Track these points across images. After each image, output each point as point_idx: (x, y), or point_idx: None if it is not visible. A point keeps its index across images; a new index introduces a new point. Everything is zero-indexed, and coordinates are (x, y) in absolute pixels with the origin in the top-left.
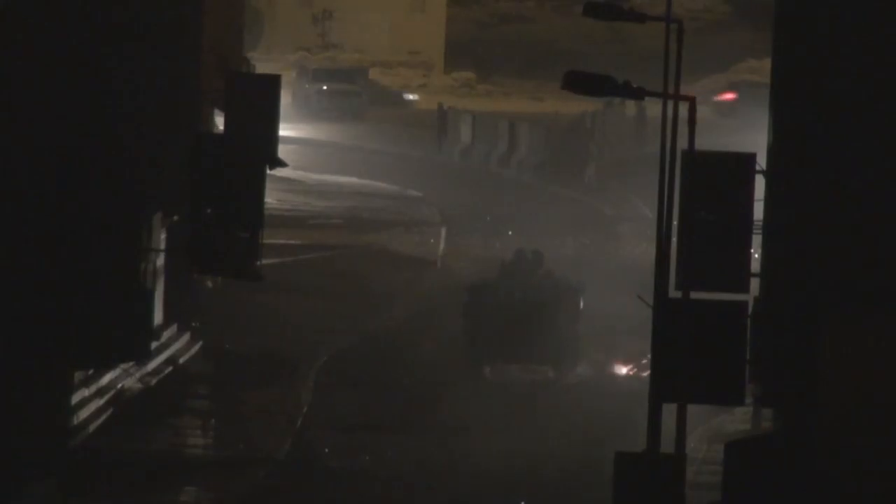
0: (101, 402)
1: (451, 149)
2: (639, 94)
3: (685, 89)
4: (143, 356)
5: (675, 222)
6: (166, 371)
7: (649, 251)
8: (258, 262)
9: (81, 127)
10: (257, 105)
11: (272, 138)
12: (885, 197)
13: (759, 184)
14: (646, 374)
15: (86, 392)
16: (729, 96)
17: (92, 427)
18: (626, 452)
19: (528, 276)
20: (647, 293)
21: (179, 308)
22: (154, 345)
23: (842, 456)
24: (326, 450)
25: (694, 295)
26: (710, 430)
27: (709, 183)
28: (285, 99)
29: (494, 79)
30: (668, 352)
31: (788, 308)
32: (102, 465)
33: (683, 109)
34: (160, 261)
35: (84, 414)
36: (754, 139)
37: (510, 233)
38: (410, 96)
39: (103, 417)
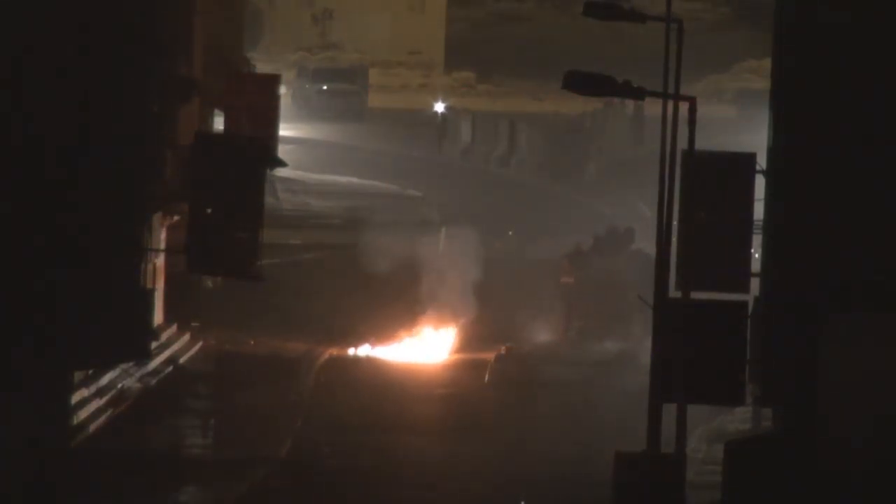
0: (101, 402)
1: (451, 149)
2: (639, 94)
3: (685, 89)
4: (143, 356)
5: (675, 222)
6: (166, 371)
7: (649, 251)
8: (258, 262)
9: (81, 127)
10: (257, 105)
11: (272, 138)
12: (885, 197)
13: (760, 184)
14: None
15: (86, 392)
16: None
17: (92, 427)
18: (626, 452)
19: (618, 251)
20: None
21: (179, 308)
22: (154, 345)
23: (842, 456)
24: (326, 450)
25: (694, 295)
26: (710, 430)
27: (709, 183)
28: (285, 99)
29: (494, 79)
30: (668, 352)
31: (788, 308)
32: (102, 465)
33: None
34: (160, 261)
35: (84, 414)
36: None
37: (510, 233)
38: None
39: (103, 417)
